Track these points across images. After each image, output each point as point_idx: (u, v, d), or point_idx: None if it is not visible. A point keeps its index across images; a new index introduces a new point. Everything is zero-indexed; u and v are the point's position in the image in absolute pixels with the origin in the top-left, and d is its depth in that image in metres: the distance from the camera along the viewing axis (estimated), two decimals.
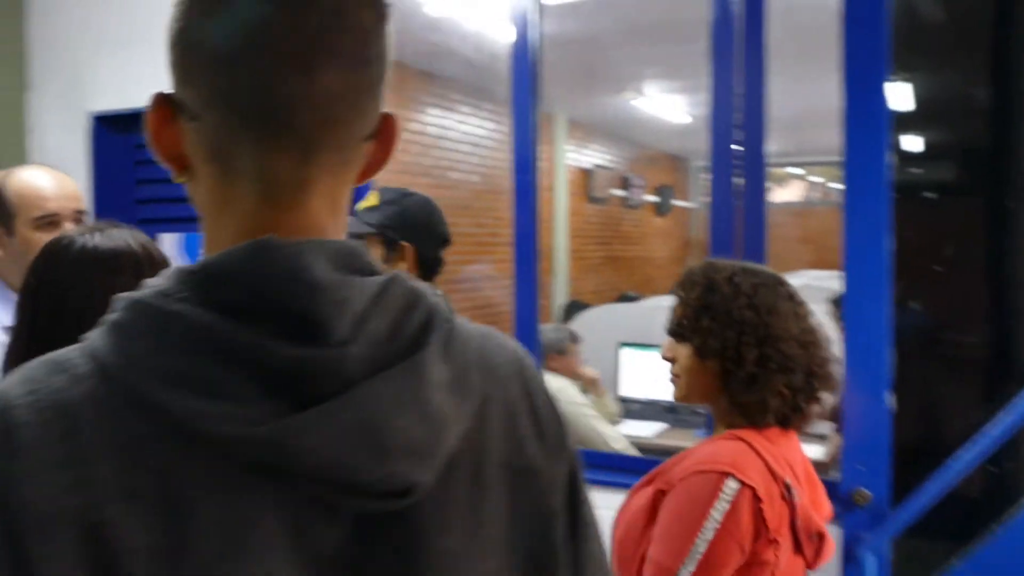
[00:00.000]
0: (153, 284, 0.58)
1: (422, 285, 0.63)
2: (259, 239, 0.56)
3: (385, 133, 0.64)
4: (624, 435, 3.33)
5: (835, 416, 2.35)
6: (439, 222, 1.94)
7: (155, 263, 1.15)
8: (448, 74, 5.62)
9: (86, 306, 0.89)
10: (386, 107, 0.64)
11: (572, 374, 3.55)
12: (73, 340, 0.58)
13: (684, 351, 1.42)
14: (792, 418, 1.39)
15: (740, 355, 1.35)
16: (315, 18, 0.57)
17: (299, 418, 0.53)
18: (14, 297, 1.59)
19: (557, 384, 3.30)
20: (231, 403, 0.53)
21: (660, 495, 1.34)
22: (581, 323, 4.27)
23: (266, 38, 0.57)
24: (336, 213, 0.62)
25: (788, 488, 1.31)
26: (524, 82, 2.60)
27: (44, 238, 1.58)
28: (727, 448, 1.32)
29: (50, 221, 1.67)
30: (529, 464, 0.66)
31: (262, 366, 0.54)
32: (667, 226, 9.61)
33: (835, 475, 2.05)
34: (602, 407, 3.54)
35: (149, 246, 1.18)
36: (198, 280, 0.56)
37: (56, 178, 1.73)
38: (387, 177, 4.89)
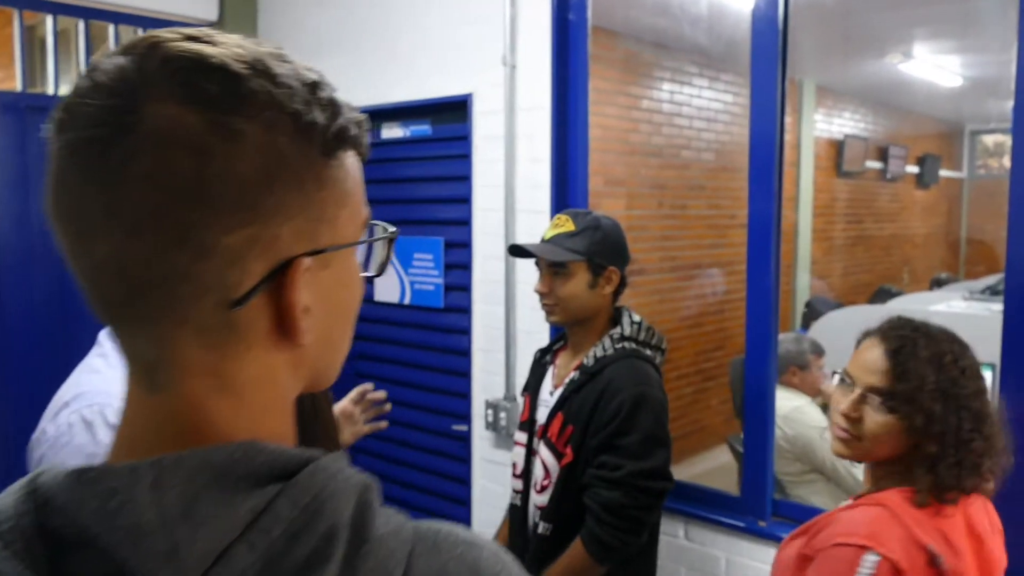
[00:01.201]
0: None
1: (351, 480, 0.54)
2: (79, 468, 0.50)
3: (283, 289, 0.54)
4: None
5: None
6: (627, 243, 2.04)
7: None
8: (682, 45, 5.24)
9: None
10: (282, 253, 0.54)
11: (814, 391, 3.17)
12: None
13: (880, 419, 1.38)
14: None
15: (961, 441, 1.33)
16: (102, 175, 0.50)
17: None
18: None
19: (795, 403, 2.96)
20: None
21: (804, 560, 1.35)
22: (826, 326, 3.83)
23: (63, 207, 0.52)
24: (232, 392, 0.54)
25: (933, 557, 1.27)
26: (768, 48, 2.28)
27: None
28: (866, 517, 1.31)
29: None
30: None
31: None
32: (931, 200, 8.64)
33: None
34: None
35: None
36: (37, 503, 0.51)
37: None
38: (614, 159, 4.64)
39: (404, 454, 3.32)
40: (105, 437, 1.28)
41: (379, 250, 0.68)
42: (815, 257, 6.75)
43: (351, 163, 0.60)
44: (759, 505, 2.35)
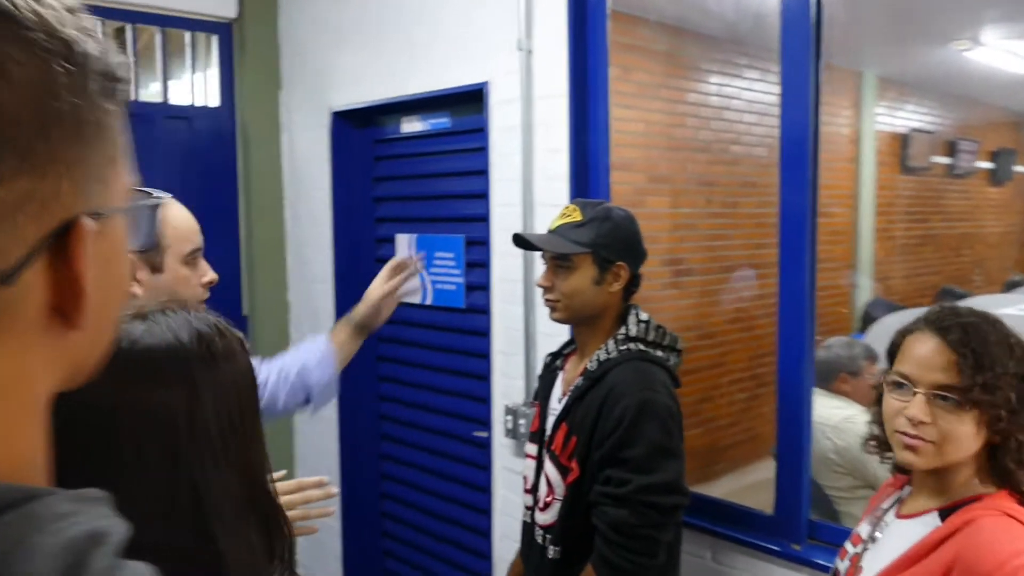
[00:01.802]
0: None
1: (66, 533, 0.40)
2: None
3: (65, 256, 0.44)
4: None
5: None
6: (641, 238, 1.87)
7: (216, 360, 0.84)
8: (731, 36, 5.01)
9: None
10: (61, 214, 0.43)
11: (867, 400, 2.91)
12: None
13: (956, 417, 1.27)
14: None
15: None
16: None
17: None
18: None
19: (846, 412, 2.73)
20: None
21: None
22: (882, 331, 3.56)
23: None
24: None
25: None
26: (799, 28, 2.09)
27: (191, 276, 1.59)
28: (1011, 531, 1.23)
29: (196, 257, 1.61)
30: None
31: None
32: (1005, 197, 8.16)
33: None
34: None
35: (210, 336, 0.86)
36: None
37: (190, 215, 1.65)
38: (658, 155, 4.46)
39: (424, 459, 3.20)
40: None
41: (145, 220, 0.54)
42: (877, 258, 6.42)
43: (120, 113, 0.49)
44: (794, 527, 2.13)
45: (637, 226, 1.87)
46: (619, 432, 1.67)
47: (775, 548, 2.13)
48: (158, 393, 0.79)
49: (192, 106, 3.42)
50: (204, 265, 1.62)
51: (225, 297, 3.44)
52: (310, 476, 1.53)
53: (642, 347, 1.77)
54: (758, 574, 2.16)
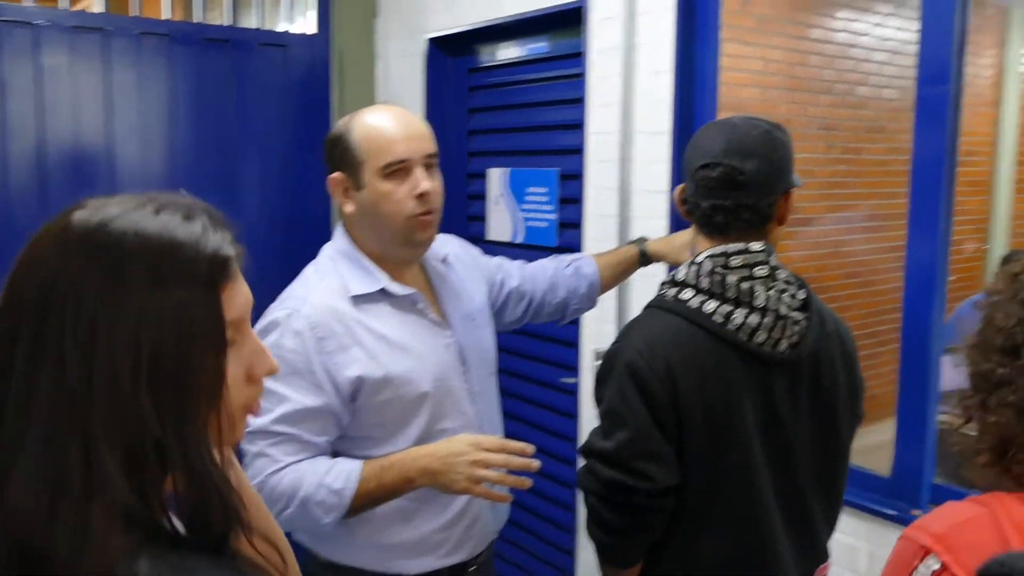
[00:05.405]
0: None
1: None
2: None
3: None
4: None
5: None
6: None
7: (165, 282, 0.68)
8: None
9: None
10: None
11: None
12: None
13: None
14: None
15: None
16: None
17: None
18: (371, 267, 1.50)
19: None
20: None
21: None
22: None
23: None
24: None
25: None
26: None
27: (397, 190, 1.46)
28: (953, 513, 1.00)
29: (400, 168, 1.47)
30: None
31: None
32: None
33: None
34: None
35: (200, 235, 0.70)
36: None
37: (403, 118, 1.51)
38: (777, 96, 4.15)
39: (509, 405, 3.07)
40: (288, 341, 1.42)
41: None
42: (1017, 212, 5.88)
43: None
44: (913, 490, 1.91)
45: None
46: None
47: (892, 513, 1.92)
48: (118, 288, 0.66)
49: (288, 33, 3.34)
50: (417, 176, 1.47)
51: (317, 235, 3.38)
52: None
53: (676, 294, 1.40)
54: (871, 540, 1.95)
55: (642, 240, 1.89)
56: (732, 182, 1.36)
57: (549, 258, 1.91)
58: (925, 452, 1.89)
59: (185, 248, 0.68)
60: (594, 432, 1.40)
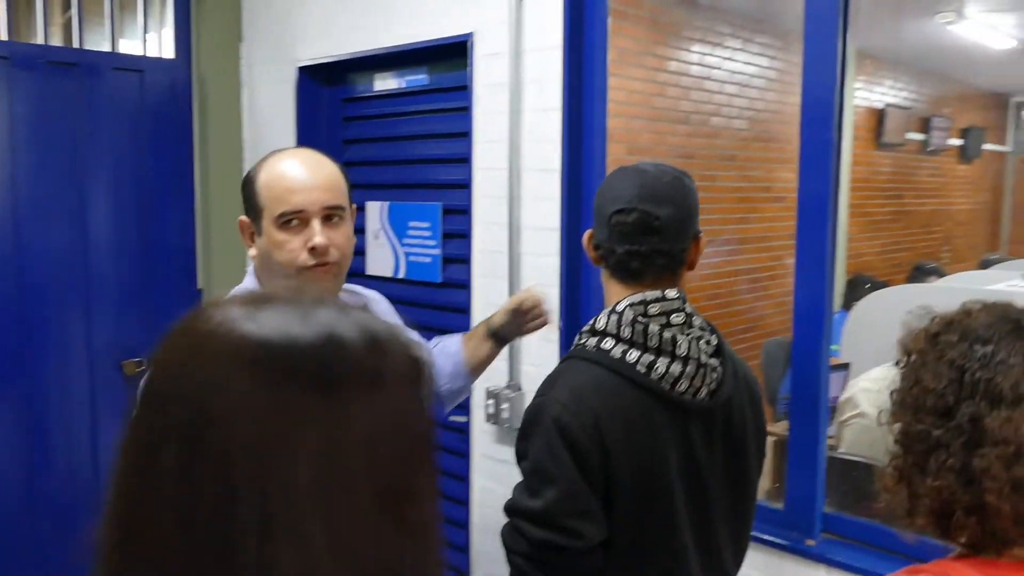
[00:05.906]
0: None
1: None
2: None
3: None
4: None
5: None
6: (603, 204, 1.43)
7: (380, 378, 0.54)
8: (714, 3, 4.83)
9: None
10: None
11: None
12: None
13: None
14: None
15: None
16: None
17: None
18: None
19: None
20: None
21: None
22: (871, 307, 3.43)
23: None
24: None
25: None
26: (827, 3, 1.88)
27: (291, 240, 1.41)
28: None
29: (295, 217, 1.41)
30: None
31: None
32: (973, 174, 8.18)
33: None
34: None
35: (359, 343, 0.54)
36: None
37: (309, 167, 1.45)
38: (639, 126, 4.26)
39: None
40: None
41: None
42: (851, 234, 6.32)
43: None
44: (806, 520, 1.97)
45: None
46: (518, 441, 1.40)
47: (785, 543, 1.98)
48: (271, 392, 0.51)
49: (144, 57, 3.13)
50: (314, 227, 1.40)
51: (178, 268, 3.18)
52: None
53: (598, 344, 1.37)
54: (767, 570, 2.00)
55: (488, 322, 1.80)
56: (648, 227, 1.35)
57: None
58: (816, 483, 1.96)
59: None
60: (519, 490, 1.35)
